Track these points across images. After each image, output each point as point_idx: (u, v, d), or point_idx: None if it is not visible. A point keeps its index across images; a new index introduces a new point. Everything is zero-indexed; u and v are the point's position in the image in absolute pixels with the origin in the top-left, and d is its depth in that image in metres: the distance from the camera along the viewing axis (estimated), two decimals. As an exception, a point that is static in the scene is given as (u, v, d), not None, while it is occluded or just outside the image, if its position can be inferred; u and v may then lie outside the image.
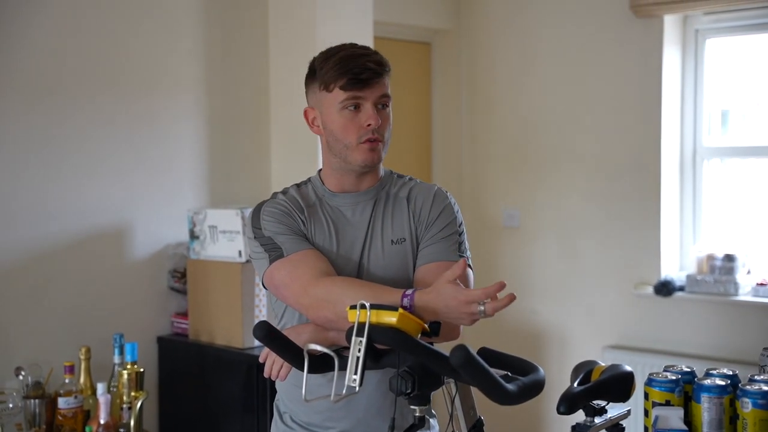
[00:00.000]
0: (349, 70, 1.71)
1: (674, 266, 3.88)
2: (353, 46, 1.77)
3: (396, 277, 1.77)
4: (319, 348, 1.48)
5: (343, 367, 1.43)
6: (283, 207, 1.80)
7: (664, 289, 3.71)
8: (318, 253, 1.75)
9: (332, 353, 1.48)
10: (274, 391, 1.96)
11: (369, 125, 1.73)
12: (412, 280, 1.79)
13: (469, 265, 1.80)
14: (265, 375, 1.75)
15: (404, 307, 1.51)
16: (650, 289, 3.78)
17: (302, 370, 1.51)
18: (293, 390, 1.84)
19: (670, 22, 3.79)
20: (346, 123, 1.74)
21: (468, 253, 1.83)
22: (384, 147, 1.79)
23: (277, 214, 1.79)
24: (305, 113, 1.83)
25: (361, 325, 1.40)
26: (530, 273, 4.20)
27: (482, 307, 1.49)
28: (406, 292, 1.57)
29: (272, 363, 1.73)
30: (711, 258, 3.69)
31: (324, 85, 1.75)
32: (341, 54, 1.74)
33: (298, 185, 1.88)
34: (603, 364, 1.70)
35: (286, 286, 1.72)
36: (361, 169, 1.78)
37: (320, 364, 1.55)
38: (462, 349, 1.31)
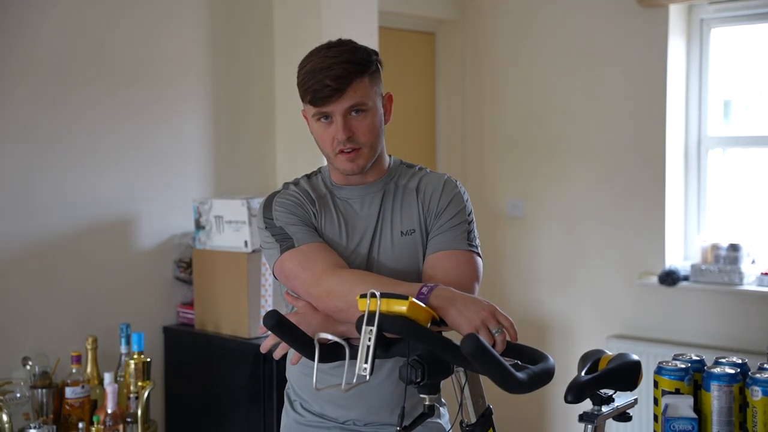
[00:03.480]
0: (310, 87, 1.71)
1: (678, 256, 3.88)
2: (327, 52, 1.72)
3: (406, 269, 1.77)
4: (329, 337, 1.48)
5: (353, 356, 1.43)
6: (295, 198, 1.80)
7: (669, 278, 3.71)
8: (328, 246, 1.75)
9: (343, 342, 1.48)
10: (280, 381, 1.97)
11: (338, 139, 1.73)
12: (421, 272, 1.79)
13: (479, 254, 1.80)
14: (262, 350, 1.77)
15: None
16: (654, 279, 3.79)
17: (312, 359, 1.52)
18: (303, 379, 1.84)
19: (675, 12, 3.77)
20: (322, 134, 1.75)
21: (477, 241, 1.83)
22: (369, 152, 1.76)
23: (289, 205, 1.79)
24: (303, 114, 1.84)
25: (372, 314, 1.40)
26: (535, 263, 4.21)
27: (496, 330, 1.50)
28: (422, 290, 1.56)
29: (271, 344, 1.74)
30: (715, 247, 3.69)
31: (301, 96, 1.77)
32: (308, 67, 1.72)
33: (308, 176, 1.89)
34: (610, 354, 1.71)
35: (296, 276, 1.72)
36: (348, 176, 1.79)
37: (331, 353, 1.55)
38: (473, 337, 1.32)
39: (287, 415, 1.92)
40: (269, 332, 1.62)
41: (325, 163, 1.87)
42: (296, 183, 1.86)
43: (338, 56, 1.70)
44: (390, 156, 1.89)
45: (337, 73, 1.68)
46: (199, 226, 3.12)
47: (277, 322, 1.53)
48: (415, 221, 1.80)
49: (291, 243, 1.74)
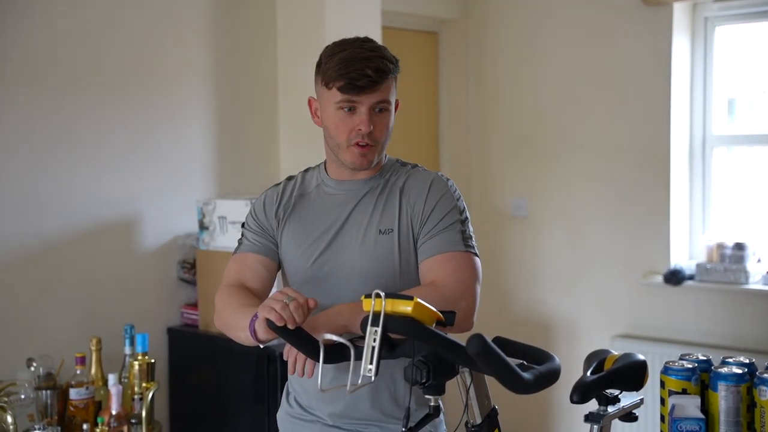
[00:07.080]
0: (347, 73, 1.70)
1: (684, 255, 3.87)
2: (362, 44, 1.75)
3: (378, 268, 1.77)
4: (334, 338, 1.48)
5: (358, 357, 1.42)
6: (266, 201, 1.89)
7: (674, 278, 3.70)
8: (255, 259, 1.83)
9: (348, 343, 1.48)
10: (284, 382, 1.98)
11: (360, 130, 1.74)
12: (398, 272, 1.77)
13: (476, 254, 1.79)
14: (290, 373, 1.68)
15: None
16: (659, 278, 3.77)
17: (317, 360, 1.51)
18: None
19: (680, 10, 3.76)
20: (339, 123, 1.76)
21: (473, 241, 1.80)
22: (379, 150, 1.79)
23: (258, 208, 1.89)
24: (309, 102, 1.86)
25: (376, 315, 1.40)
26: (539, 263, 4.19)
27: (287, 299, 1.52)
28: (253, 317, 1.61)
29: (294, 360, 1.65)
30: (721, 247, 3.67)
31: (324, 82, 1.76)
32: (344, 54, 1.73)
33: (307, 170, 1.94)
34: (616, 353, 1.70)
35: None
36: (351, 169, 1.81)
37: (335, 354, 1.54)
38: (479, 338, 1.31)
39: (281, 408, 1.96)
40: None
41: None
42: (290, 178, 1.93)
43: (376, 51, 1.75)
44: (386, 155, 1.89)
45: (377, 66, 1.72)
46: (202, 227, 3.11)
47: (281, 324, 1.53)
48: (395, 221, 1.79)
49: (238, 248, 1.89)
